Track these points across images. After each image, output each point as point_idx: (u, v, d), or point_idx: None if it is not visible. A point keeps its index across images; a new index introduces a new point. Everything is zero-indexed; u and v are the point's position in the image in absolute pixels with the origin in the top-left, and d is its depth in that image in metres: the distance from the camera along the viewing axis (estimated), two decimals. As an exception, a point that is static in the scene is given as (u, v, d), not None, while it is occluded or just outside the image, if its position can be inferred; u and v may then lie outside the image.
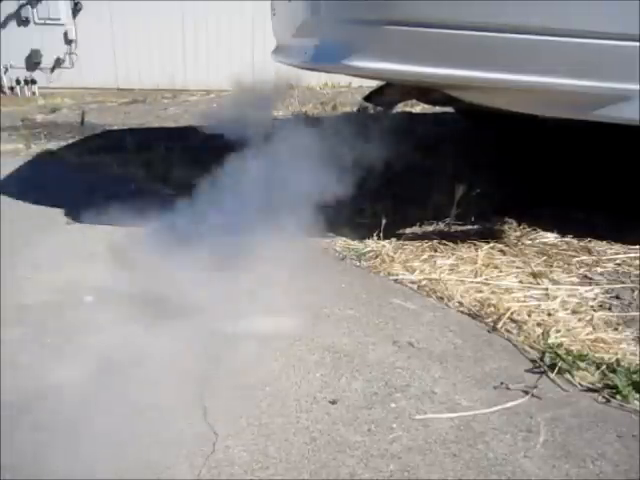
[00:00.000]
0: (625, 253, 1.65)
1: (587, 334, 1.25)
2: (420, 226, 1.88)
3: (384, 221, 1.73)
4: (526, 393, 1.08)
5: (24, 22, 5.63)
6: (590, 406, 1.05)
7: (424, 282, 1.52)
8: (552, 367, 1.14)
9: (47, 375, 1.16)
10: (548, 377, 1.12)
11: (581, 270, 1.56)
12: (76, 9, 5.65)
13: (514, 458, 0.93)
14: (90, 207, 2.01)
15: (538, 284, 1.49)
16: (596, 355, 1.17)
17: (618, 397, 1.06)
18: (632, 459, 0.93)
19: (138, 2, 5.50)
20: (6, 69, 5.69)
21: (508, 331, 1.29)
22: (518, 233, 1.81)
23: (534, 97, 1.57)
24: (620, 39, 1.43)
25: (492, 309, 1.37)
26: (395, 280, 1.55)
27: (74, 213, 2.05)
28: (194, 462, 0.92)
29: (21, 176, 2.66)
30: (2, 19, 5.59)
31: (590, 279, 1.52)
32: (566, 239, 1.75)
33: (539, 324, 1.30)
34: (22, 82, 5.71)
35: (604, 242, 1.72)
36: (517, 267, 1.58)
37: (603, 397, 1.07)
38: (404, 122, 3.68)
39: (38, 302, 1.44)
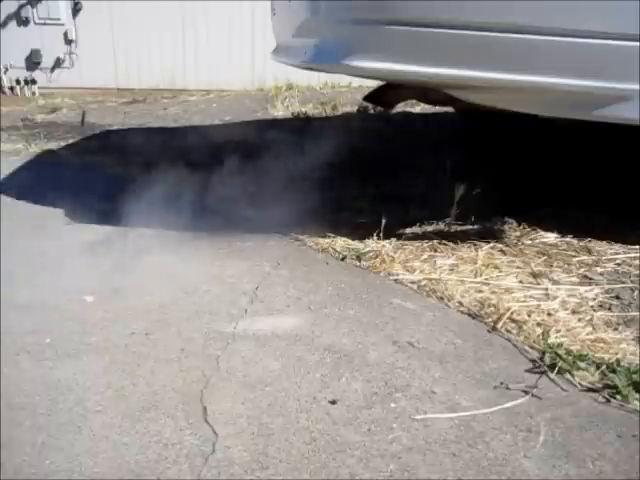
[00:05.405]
0: (625, 253, 1.65)
1: (587, 334, 1.25)
2: (420, 226, 1.88)
3: (384, 221, 1.72)
4: (526, 393, 1.08)
5: (24, 22, 5.63)
6: (590, 406, 1.05)
7: (424, 282, 1.52)
8: (552, 367, 1.14)
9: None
10: (548, 377, 1.12)
11: (581, 270, 1.56)
12: (76, 9, 5.64)
13: (514, 458, 0.93)
14: (89, 207, 2.01)
15: (538, 284, 1.49)
16: (596, 355, 1.17)
17: (618, 397, 1.06)
18: (632, 459, 0.93)
19: (138, 2, 5.50)
20: (6, 69, 5.68)
21: (508, 331, 1.29)
22: (518, 233, 1.81)
23: (534, 97, 1.57)
24: (620, 39, 1.43)
25: (492, 309, 1.37)
26: (395, 280, 1.55)
27: (73, 213, 2.05)
28: (194, 462, 0.92)
29: (21, 176, 2.66)
30: (2, 19, 5.59)
31: (590, 279, 1.52)
32: (566, 239, 1.75)
33: (539, 324, 1.30)
34: (22, 82, 5.71)
35: (604, 242, 1.72)
36: (517, 267, 1.58)
37: (603, 397, 1.07)
38: (404, 122, 3.69)
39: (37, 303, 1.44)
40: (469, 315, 1.37)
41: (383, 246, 1.71)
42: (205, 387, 1.11)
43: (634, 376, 1.08)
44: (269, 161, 2.39)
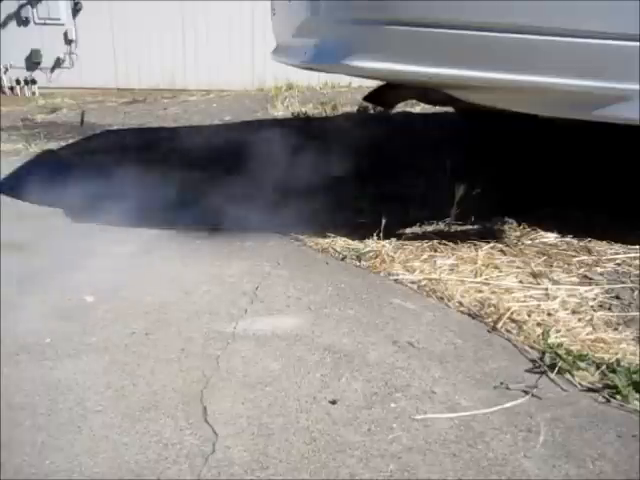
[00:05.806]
0: (625, 253, 1.65)
1: (587, 334, 1.25)
2: (420, 226, 1.88)
3: (384, 221, 1.72)
4: (526, 393, 1.08)
5: (24, 22, 5.63)
6: (590, 406, 1.05)
7: (424, 282, 1.52)
8: (552, 367, 1.14)
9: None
10: (548, 377, 1.12)
11: (581, 270, 1.56)
12: (76, 9, 5.64)
13: (514, 458, 0.93)
14: (89, 207, 2.01)
15: (538, 284, 1.49)
16: (596, 355, 1.17)
17: (618, 397, 1.06)
18: (632, 459, 0.93)
19: (138, 2, 5.50)
20: (6, 69, 5.69)
21: (508, 331, 1.29)
22: (518, 233, 1.81)
23: (534, 97, 1.57)
24: (620, 39, 1.43)
25: (492, 309, 1.37)
26: (395, 280, 1.54)
27: (73, 213, 2.05)
28: (194, 462, 0.92)
29: (21, 176, 2.66)
30: (2, 19, 5.59)
31: (590, 279, 1.52)
32: (566, 239, 1.75)
33: (539, 324, 1.30)
34: (22, 82, 5.71)
35: (604, 242, 1.72)
36: (517, 267, 1.58)
37: (603, 397, 1.07)
38: (404, 122, 3.69)
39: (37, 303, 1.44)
40: (469, 315, 1.37)
41: (383, 246, 1.71)
42: (205, 387, 1.11)
43: (634, 376, 1.08)
44: (269, 161, 2.39)
